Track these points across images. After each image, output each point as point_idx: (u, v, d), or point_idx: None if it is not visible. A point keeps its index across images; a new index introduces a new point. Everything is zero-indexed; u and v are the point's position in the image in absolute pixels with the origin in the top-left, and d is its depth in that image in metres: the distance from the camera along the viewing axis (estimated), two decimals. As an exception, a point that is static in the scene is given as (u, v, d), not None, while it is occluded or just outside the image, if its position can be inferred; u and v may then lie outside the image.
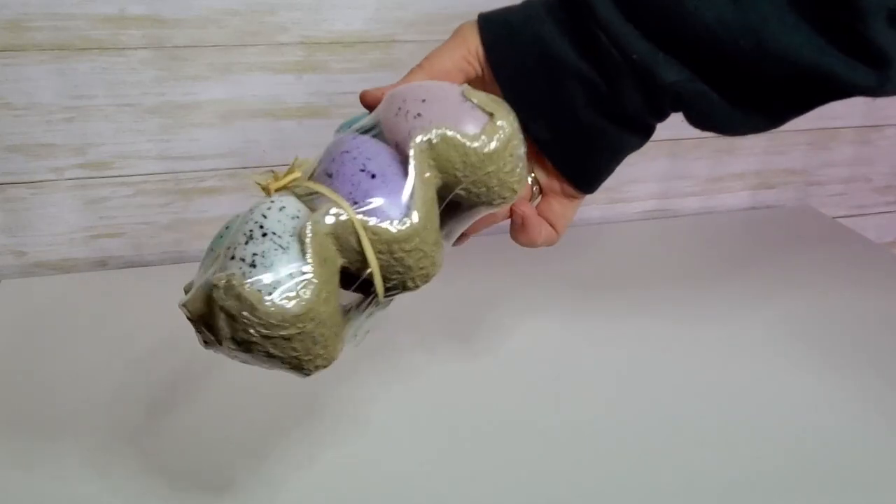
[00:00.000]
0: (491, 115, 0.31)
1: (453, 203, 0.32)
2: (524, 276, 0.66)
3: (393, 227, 0.28)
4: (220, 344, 0.28)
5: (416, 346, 0.55)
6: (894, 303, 0.65)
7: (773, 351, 0.57)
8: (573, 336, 0.58)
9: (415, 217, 0.29)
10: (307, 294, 0.27)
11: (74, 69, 0.60)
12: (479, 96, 0.32)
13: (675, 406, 0.51)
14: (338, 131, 0.36)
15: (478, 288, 0.64)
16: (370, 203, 0.29)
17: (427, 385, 0.51)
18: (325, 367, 0.29)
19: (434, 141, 0.30)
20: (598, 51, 0.34)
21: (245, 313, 0.26)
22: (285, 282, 0.27)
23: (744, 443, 0.48)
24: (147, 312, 0.60)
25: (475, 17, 0.39)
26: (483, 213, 0.34)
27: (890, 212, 0.93)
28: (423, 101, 0.31)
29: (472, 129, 0.30)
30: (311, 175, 0.32)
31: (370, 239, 0.28)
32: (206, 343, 0.29)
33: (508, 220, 0.41)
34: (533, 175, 0.40)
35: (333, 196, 0.28)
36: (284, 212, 0.28)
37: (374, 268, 0.28)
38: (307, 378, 0.29)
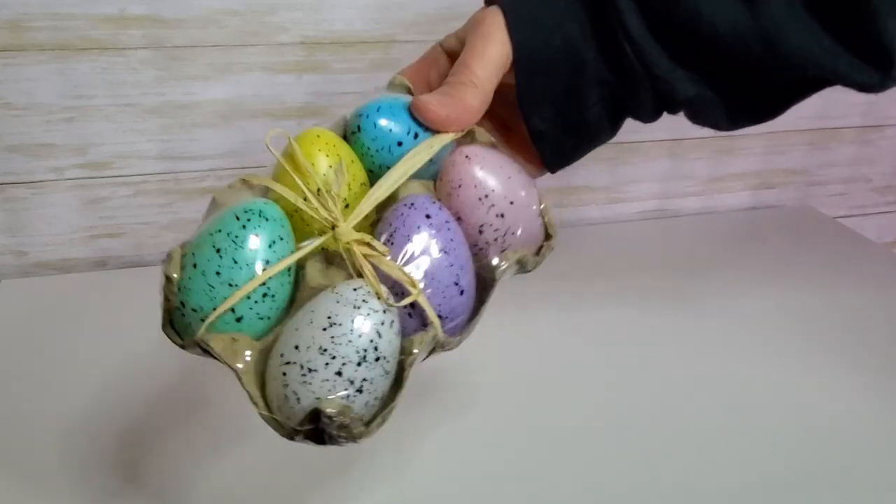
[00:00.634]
0: (549, 236, 0.34)
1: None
2: (523, 277, 0.66)
3: (455, 341, 0.30)
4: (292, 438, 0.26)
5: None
6: (894, 302, 0.65)
7: (774, 350, 0.57)
8: (573, 336, 0.58)
9: (472, 332, 0.30)
10: (389, 418, 0.27)
11: (74, 69, 0.60)
12: (548, 212, 0.33)
13: (675, 405, 0.51)
14: (377, 110, 0.32)
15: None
16: (453, 321, 0.29)
17: (426, 385, 0.51)
18: None
19: (509, 270, 0.32)
20: (621, 60, 0.35)
21: (341, 435, 0.25)
22: (378, 407, 0.26)
23: (744, 442, 0.48)
24: (147, 312, 0.60)
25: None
26: None
27: (890, 212, 0.92)
28: (512, 203, 0.31)
29: (533, 247, 0.32)
30: (377, 223, 0.30)
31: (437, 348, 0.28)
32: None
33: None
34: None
35: (432, 315, 0.28)
36: (394, 328, 0.27)
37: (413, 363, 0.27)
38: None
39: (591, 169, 0.77)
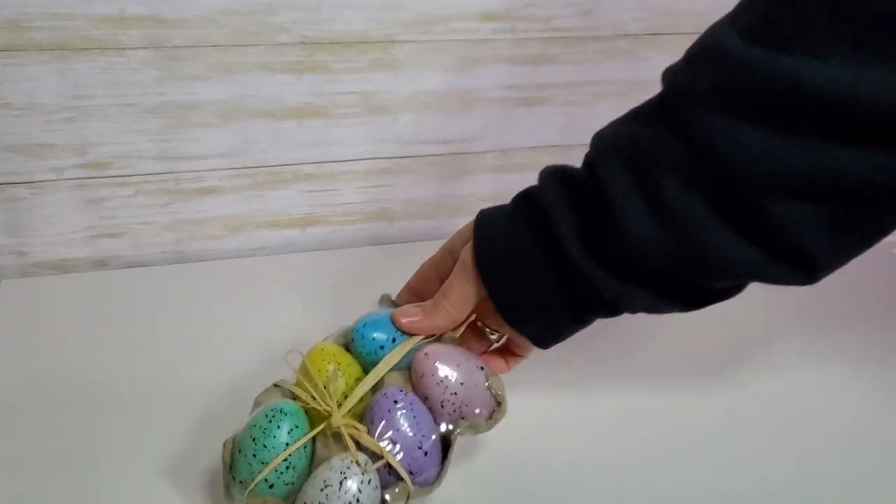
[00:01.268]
0: (499, 404, 0.42)
1: None
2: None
3: (426, 489, 0.39)
4: None
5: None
6: (894, 302, 0.65)
7: (773, 350, 0.57)
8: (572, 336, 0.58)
9: (441, 483, 0.40)
10: None
11: (74, 69, 0.60)
12: (496, 383, 0.43)
13: (675, 405, 0.51)
14: (364, 325, 0.45)
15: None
16: (422, 475, 0.39)
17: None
18: None
19: (464, 433, 0.41)
20: (575, 281, 0.39)
21: None
22: None
23: (744, 441, 0.48)
24: (147, 312, 0.60)
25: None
26: None
27: (890, 212, 0.92)
28: (462, 384, 0.42)
29: (486, 413, 0.42)
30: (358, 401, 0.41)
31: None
32: None
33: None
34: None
35: (402, 472, 0.38)
36: (372, 484, 0.37)
37: None
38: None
39: (591, 169, 0.77)
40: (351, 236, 0.74)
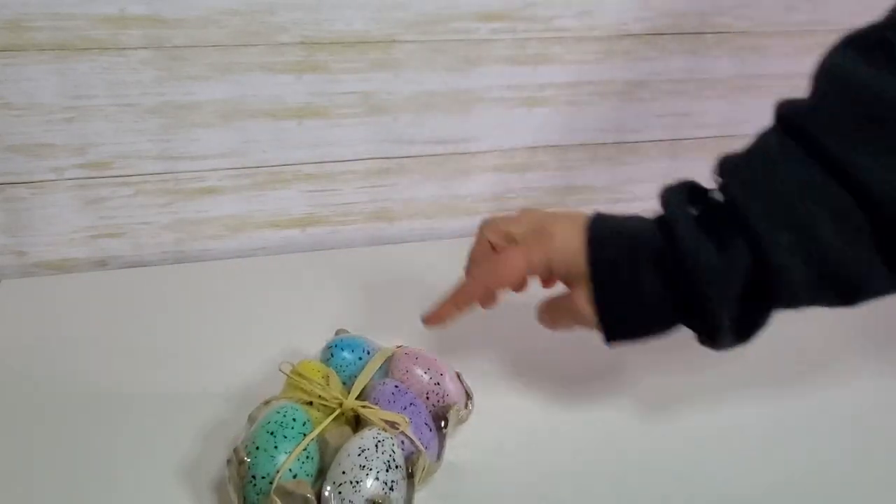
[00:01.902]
0: (469, 397, 0.49)
1: None
2: (524, 276, 0.66)
3: (436, 464, 0.43)
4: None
5: (420, 344, 0.55)
6: (894, 302, 0.64)
7: (773, 350, 0.57)
8: (574, 337, 0.58)
9: (441, 463, 0.44)
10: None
11: (74, 69, 0.60)
12: (462, 379, 0.49)
13: (675, 405, 0.51)
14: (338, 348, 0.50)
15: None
16: (431, 450, 0.43)
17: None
18: None
19: (452, 418, 0.46)
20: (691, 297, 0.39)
21: None
22: (397, 493, 0.39)
23: (744, 441, 0.48)
24: (147, 312, 0.60)
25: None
26: None
27: (890, 212, 0.92)
28: (441, 374, 0.48)
29: (461, 404, 0.48)
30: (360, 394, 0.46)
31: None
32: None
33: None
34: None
35: (418, 443, 0.42)
36: (401, 446, 0.41)
37: (418, 474, 0.41)
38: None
39: (591, 169, 0.77)
40: (351, 236, 0.74)
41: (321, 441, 0.41)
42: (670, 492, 0.44)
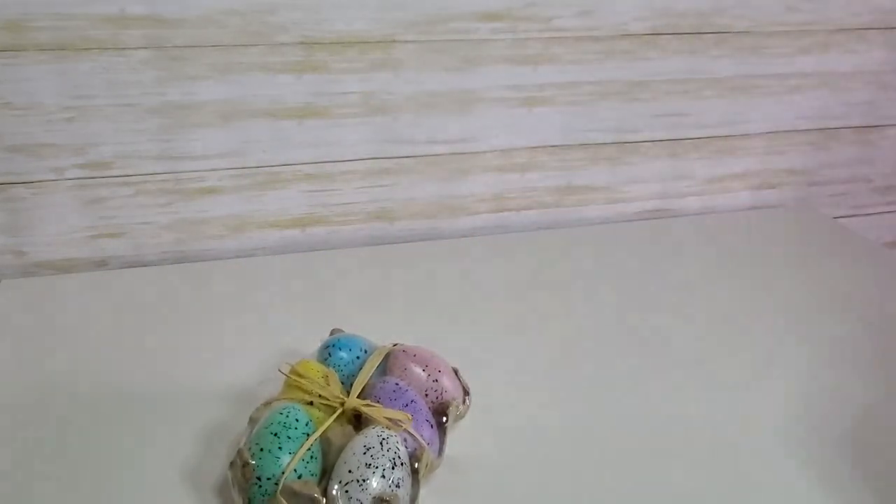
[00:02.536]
0: (467, 393, 0.49)
1: None
2: (524, 276, 0.67)
3: (438, 461, 0.44)
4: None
5: (420, 343, 0.55)
6: (894, 303, 0.65)
7: (773, 350, 0.57)
8: (573, 336, 0.58)
9: (442, 459, 0.44)
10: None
11: (74, 69, 0.60)
12: (460, 376, 0.50)
13: (674, 405, 0.51)
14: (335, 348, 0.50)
15: (477, 288, 0.64)
16: (433, 447, 0.43)
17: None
18: None
19: (451, 414, 0.46)
20: None
21: None
22: (403, 490, 0.39)
23: (743, 441, 0.48)
24: (147, 312, 0.60)
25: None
26: None
27: (890, 212, 0.92)
28: (440, 371, 0.48)
29: (459, 400, 0.48)
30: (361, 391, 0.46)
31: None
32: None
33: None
34: None
35: (420, 440, 0.42)
36: (405, 443, 0.41)
37: (422, 470, 0.42)
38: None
39: (591, 169, 0.77)
40: (351, 236, 0.74)
41: (324, 441, 0.41)
42: (670, 487, 0.44)
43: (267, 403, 0.44)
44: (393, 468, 0.39)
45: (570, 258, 0.70)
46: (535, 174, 0.76)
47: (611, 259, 0.70)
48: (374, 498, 0.38)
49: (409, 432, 0.42)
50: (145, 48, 0.61)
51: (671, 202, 0.83)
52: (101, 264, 0.69)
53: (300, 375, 0.45)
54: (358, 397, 0.44)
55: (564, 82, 0.72)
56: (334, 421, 0.42)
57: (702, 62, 0.75)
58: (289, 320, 0.59)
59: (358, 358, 0.49)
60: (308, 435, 0.40)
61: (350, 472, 0.38)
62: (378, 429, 0.41)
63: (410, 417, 0.42)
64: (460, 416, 0.48)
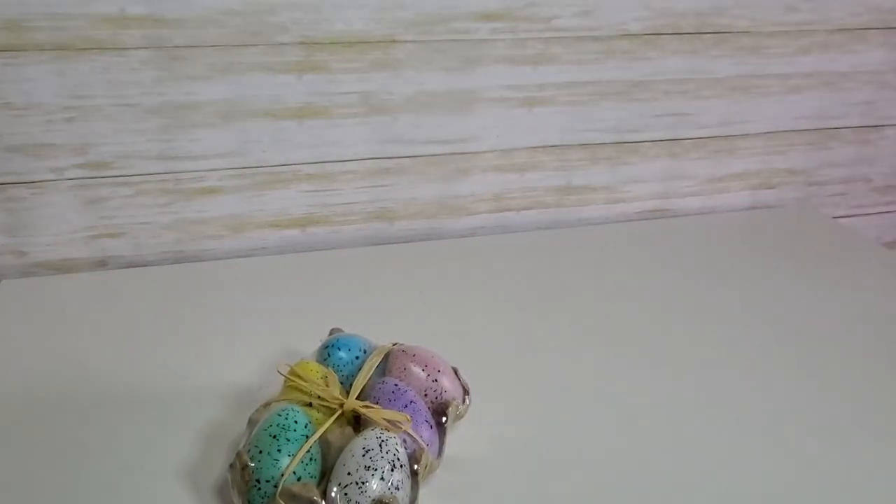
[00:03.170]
0: (466, 392, 0.49)
1: None
2: (525, 276, 0.67)
3: (437, 461, 0.44)
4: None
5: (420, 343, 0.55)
6: (894, 303, 0.65)
7: (773, 350, 0.57)
8: (573, 336, 0.58)
9: (442, 459, 0.44)
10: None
11: (74, 69, 0.60)
12: (459, 375, 0.49)
13: (675, 404, 0.51)
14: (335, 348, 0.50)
15: (478, 288, 0.64)
16: (432, 448, 0.43)
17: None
18: None
19: (451, 414, 0.46)
20: None
21: None
22: (402, 492, 0.39)
23: (744, 441, 0.48)
24: (147, 312, 0.60)
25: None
26: None
27: (890, 212, 0.93)
28: (439, 371, 0.48)
29: (459, 400, 0.48)
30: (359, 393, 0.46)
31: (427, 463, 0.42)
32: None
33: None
34: None
35: (420, 442, 0.42)
36: (402, 445, 0.41)
37: (421, 472, 0.42)
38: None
39: (591, 169, 0.77)
40: (351, 236, 0.74)
41: (323, 442, 0.41)
42: (669, 486, 0.44)
43: (266, 405, 0.44)
44: (392, 470, 0.39)
45: (570, 258, 0.70)
46: (535, 174, 0.76)
47: (611, 259, 0.70)
48: (374, 500, 0.38)
49: (408, 434, 0.42)
50: (145, 48, 0.60)
51: (671, 202, 0.83)
52: (101, 264, 0.69)
53: (299, 376, 0.45)
54: (357, 398, 0.44)
55: (564, 82, 0.72)
56: (333, 422, 0.42)
57: (701, 62, 0.75)
58: (288, 320, 0.59)
59: (357, 358, 0.49)
60: (307, 437, 0.40)
61: (349, 474, 0.39)
62: (377, 431, 0.41)
63: (410, 419, 0.42)
64: (460, 417, 0.48)
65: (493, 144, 0.73)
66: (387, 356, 0.49)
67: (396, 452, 0.40)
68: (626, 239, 0.75)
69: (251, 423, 0.43)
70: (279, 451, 0.39)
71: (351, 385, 0.46)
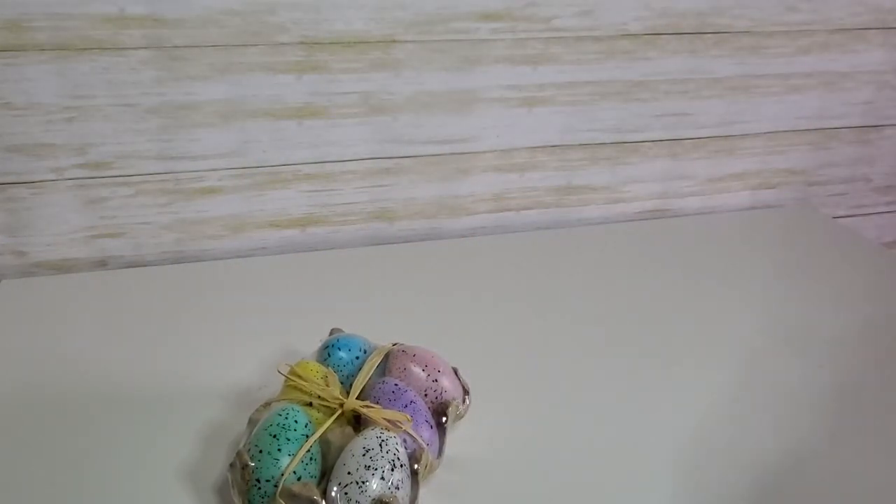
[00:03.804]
0: (466, 392, 0.49)
1: None
2: (525, 276, 0.67)
3: (437, 461, 0.44)
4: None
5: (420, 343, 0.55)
6: (894, 303, 0.65)
7: (773, 350, 0.57)
8: (573, 336, 0.58)
9: (442, 459, 0.44)
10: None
11: (74, 69, 0.60)
12: (459, 375, 0.49)
13: (674, 405, 0.51)
14: (335, 348, 0.50)
15: (478, 288, 0.64)
16: (432, 447, 0.43)
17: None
18: None
19: (451, 414, 0.46)
20: None
21: None
22: (403, 492, 0.39)
23: (742, 441, 0.48)
24: (147, 312, 0.60)
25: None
26: None
27: (890, 212, 0.93)
28: (439, 371, 0.48)
29: (459, 400, 0.48)
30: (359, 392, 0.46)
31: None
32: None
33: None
34: None
35: (420, 441, 0.42)
36: (404, 445, 0.41)
37: (421, 472, 0.42)
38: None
39: (591, 169, 0.77)
40: (351, 236, 0.74)
41: (323, 442, 0.41)
42: (670, 486, 0.44)
43: (266, 404, 0.44)
44: (392, 470, 0.39)
45: (570, 258, 0.70)
46: (535, 174, 0.76)
47: (611, 259, 0.70)
48: (374, 500, 0.38)
49: (408, 433, 0.42)
50: (145, 48, 0.60)
51: (671, 202, 0.83)
52: (101, 264, 0.69)
53: (299, 376, 0.45)
54: (357, 398, 0.44)
55: (564, 82, 0.72)
56: (334, 422, 0.42)
57: (702, 62, 0.75)
58: (288, 320, 0.59)
59: (357, 358, 0.49)
60: (307, 436, 0.40)
61: (349, 473, 0.39)
62: (377, 430, 0.41)
63: (410, 418, 0.42)
64: (460, 416, 0.48)
65: (493, 144, 0.73)
66: (387, 356, 0.49)
67: (396, 452, 0.40)
68: (626, 239, 0.75)
69: (251, 422, 0.44)
70: (279, 450, 0.39)
71: (351, 385, 0.46)
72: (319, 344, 0.50)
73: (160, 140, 0.64)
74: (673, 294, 0.65)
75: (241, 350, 0.55)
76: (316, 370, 0.46)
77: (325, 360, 0.48)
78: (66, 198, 0.65)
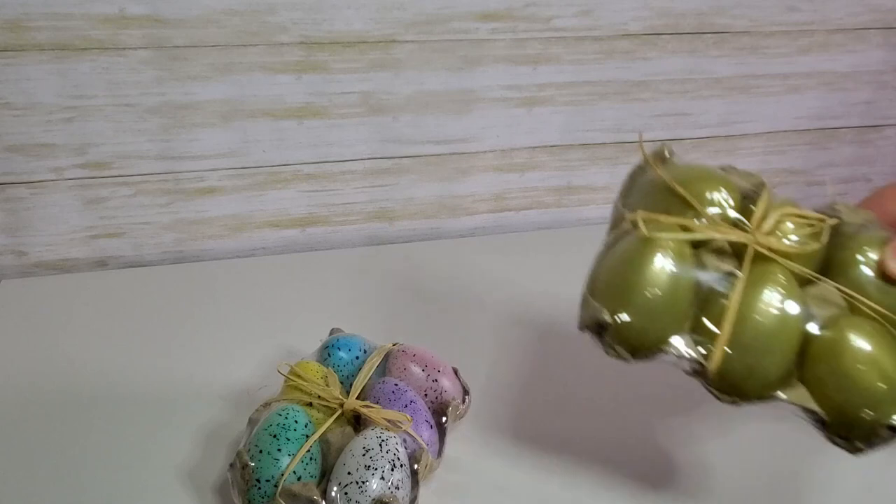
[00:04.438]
0: (466, 392, 0.49)
1: None
2: (525, 276, 0.67)
3: (436, 461, 0.44)
4: None
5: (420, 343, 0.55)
6: (894, 303, 0.64)
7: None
8: (573, 336, 0.58)
9: (442, 460, 0.44)
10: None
11: (74, 69, 0.60)
12: (459, 375, 0.49)
13: (674, 405, 0.51)
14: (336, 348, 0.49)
15: (477, 288, 0.64)
16: (432, 448, 0.43)
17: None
18: None
19: (451, 414, 0.46)
20: None
21: None
22: (403, 492, 0.39)
23: (742, 441, 0.48)
24: (147, 312, 0.60)
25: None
26: None
27: (890, 212, 0.92)
28: (439, 371, 0.48)
29: (459, 400, 0.47)
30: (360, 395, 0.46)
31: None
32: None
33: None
34: None
35: (420, 440, 0.42)
36: (402, 445, 0.41)
37: (421, 472, 0.42)
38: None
39: (590, 169, 0.77)
40: (351, 236, 0.74)
41: (323, 442, 0.42)
42: (670, 485, 0.44)
43: (266, 404, 0.44)
44: (392, 470, 0.39)
45: (570, 258, 0.70)
46: (534, 174, 0.76)
47: (611, 259, 0.70)
48: (374, 500, 0.38)
49: (408, 433, 0.42)
50: (145, 48, 0.60)
51: (671, 202, 0.82)
52: (101, 264, 0.69)
53: (299, 376, 0.45)
54: (357, 398, 0.44)
55: (564, 82, 0.72)
56: (334, 422, 0.42)
57: (701, 62, 0.75)
58: (288, 320, 0.59)
59: (357, 358, 0.49)
60: (307, 436, 0.40)
61: (349, 473, 0.39)
62: (377, 430, 0.41)
63: (410, 418, 0.42)
64: (460, 417, 0.48)
65: (493, 144, 0.73)
66: (387, 356, 0.49)
67: (396, 452, 0.40)
68: (626, 239, 0.75)
69: (251, 422, 0.44)
70: (279, 450, 0.39)
71: (351, 385, 0.46)
72: (319, 344, 0.50)
73: (160, 140, 0.64)
74: (673, 294, 0.64)
75: (241, 350, 0.55)
76: (316, 370, 0.46)
77: (325, 360, 0.49)
78: (65, 198, 0.65)
